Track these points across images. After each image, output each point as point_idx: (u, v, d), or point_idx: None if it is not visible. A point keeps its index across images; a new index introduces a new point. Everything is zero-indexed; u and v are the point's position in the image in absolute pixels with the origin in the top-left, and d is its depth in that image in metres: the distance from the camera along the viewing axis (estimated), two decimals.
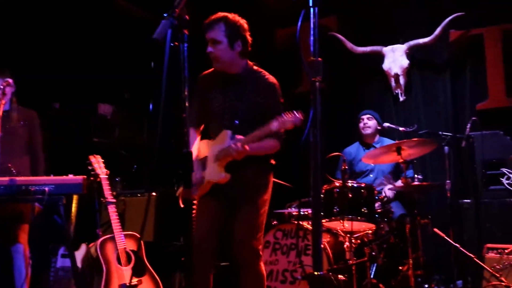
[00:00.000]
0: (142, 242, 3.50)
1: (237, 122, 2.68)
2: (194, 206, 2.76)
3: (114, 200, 3.46)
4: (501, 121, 4.62)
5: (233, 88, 2.76)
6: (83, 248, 3.87)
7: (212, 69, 2.85)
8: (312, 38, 1.75)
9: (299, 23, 1.92)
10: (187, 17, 1.91)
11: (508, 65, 4.77)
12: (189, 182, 1.97)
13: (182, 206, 3.08)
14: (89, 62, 5.15)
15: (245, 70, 2.79)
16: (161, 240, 4.24)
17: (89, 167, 3.55)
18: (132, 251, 3.37)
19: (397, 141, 3.76)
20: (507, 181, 3.78)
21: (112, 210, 3.40)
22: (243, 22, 2.78)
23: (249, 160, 2.69)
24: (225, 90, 2.77)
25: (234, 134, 2.66)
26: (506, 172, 3.79)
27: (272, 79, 2.81)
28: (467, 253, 3.33)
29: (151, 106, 5.60)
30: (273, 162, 2.87)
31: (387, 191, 4.21)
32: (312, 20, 1.75)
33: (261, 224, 2.74)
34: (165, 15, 1.90)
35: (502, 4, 4.77)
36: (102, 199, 3.53)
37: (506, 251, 3.11)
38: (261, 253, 2.75)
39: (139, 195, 4.38)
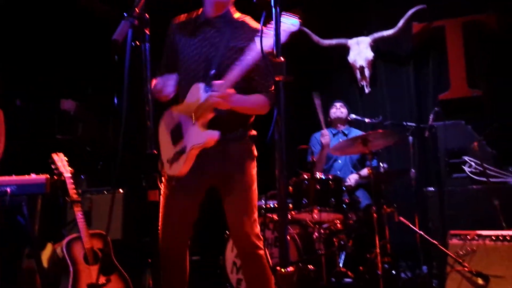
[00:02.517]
0: (109, 240, 3.44)
1: (213, 71, 2.30)
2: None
3: (79, 199, 3.38)
4: (462, 111, 4.77)
5: (210, 34, 2.39)
6: (48, 248, 3.78)
7: (185, 15, 2.51)
8: (274, 38, 1.73)
9: (261, 25, 1.90)
10: (147, 16, 1.87)
11: (469, 56, 4.92)
12: (154, 183, 1.92)
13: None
14: (51, 57, 5.01)
15: (227, 13, 2.42)
16: (130, 238, 4.18)
17: (52, 166, 3.45)
18: (100, 249, 3.31)
19: (363, 134, 3.81)
20: (469, 169, 3.89)
21: (77, 208, 3.33)
22: None
23: (233, 126, 2.35)
24: (199, 36, 2.40)
25: (208, 86, 2.25)
26: (468, 160, 3.90)
27: (254, 23, 2.41)
28: (431, 240, 3.42)
29: (115, 101, 5.49)
30: (255, 132, 2.51)
31: (350, 180, 4.28)
32: (274, 20, 1.73)
33: (256, 205, 2.43)
34: (125, 14, 1.85)
35: None
36: (67, 198, 3.44)
37: (468, 237, 3.19)
38: (261, 240, 2.41)
39: (105, 192, 4.29)
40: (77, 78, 5.24)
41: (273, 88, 2.25)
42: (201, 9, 2.49)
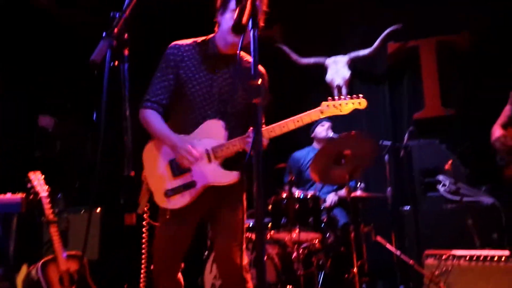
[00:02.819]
0: (86, 261, 3.40)
1: (226, 110, 2.34)
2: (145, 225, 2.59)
3: (55, 219, 3.33)
4: (437, 130, 4.88)
5: (223, 71, 2.38)
6: (23, 269, 3.70)
7: (192, 41, 2.45)
8: (252, 60, 1.75)
9: (239, 48, 1.94)
10: (126, 36, 1.88)
11: (443, 75, 5.04)
12: (131, 207, 1.92)
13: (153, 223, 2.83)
14: (29, 71, 4.95)
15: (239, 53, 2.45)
16: (108, 258, 4.13)
17: (29, 185, 3.40)
18: (76, 271, 3.26)
19: (335, 137, 3.77)
20: (443, 188, 3.98)
21: (53, 229, 3.28)
22: None
23: (238, 158, 2.36)
24: (210, 70, 2.36)
25: (226, 125, 2.33)
26: (442, 179, 3.99)
27: (261, 67, 2.45)
28: (408, 260, 3.47)
29: (94, 116, 5.44)
30: None
31: (329, 198, 4.32)
32: (252, 43, 1.76)
33: (245, 238, 2.42)
34: (103, 34, 1.86)
35: (435, 17, 5.04)
36: (43, 218, 3.39)
37: (444, 256, 3.26)
38: (249, 273, 2.38)
39: (82, 211, 4.23)
40: (56, 93, 5.20)
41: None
42: (204, 38, 2.44)
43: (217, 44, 2.38)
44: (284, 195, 3.73)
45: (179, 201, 2.28)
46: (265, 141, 2.33)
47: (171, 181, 2.30)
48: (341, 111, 2.42)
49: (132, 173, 1.89)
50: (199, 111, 2.34)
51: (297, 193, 3.78)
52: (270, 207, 3.80)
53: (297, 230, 3.52)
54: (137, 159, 2.39)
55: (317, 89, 5.56)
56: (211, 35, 2.43)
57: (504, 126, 3.26)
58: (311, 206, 3.70)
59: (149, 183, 2.35)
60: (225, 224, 2.37)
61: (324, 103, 2.44)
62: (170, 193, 2.29)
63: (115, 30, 1.84)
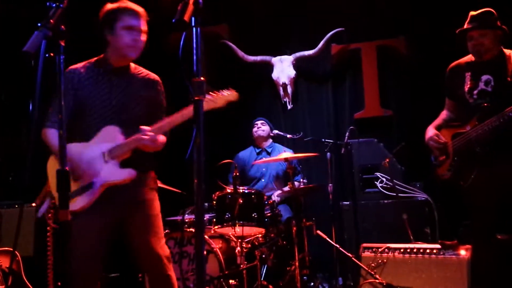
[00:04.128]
0: (19, 257, 3.25)
1: (125, 117, 2.53)
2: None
3: None
4: (375, 129, 5.09)
5: (117, 82, 2.59)
6: None
7: (85, 63, 2.64)
8: (194, 58, 1.75)
9: (181, 44, 1.92)
10: (63, 27, 1.83)
11: (382, 77, 5.26)
12: (65, 203, 1.86)
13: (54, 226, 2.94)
14: None
15: (130, 64, 2.68)
16: (42, 255, 3.95)
17: None
18: (9, 268, 3.11)
19: (285, 157, 3.92)
20: (380, 184, 4.16)
21: None
22: None
23: (138, 158, 2.52)
24: (106, 84, 2.57)
25: (123, 130, 2.49)
26: (380, 176, 4.17)
27: (154, 75, 2.73)
28: (346, 252, 3.61)
29: (30, 107, 5.20)
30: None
31: (275, 196, 4.40)
32: (194, 41, 1.75)
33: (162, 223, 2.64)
34: (39, 25, 1.79)
35: (376, 22, 5.25)
36: None
37: (379, 249, 3.41)
38: (171, 262, 2.60)
39: (17, 206, 4.03)
40: None
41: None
42: (97, 58, 2.64)
43: (110, 60, 2.59)
44: (229, 191, 3.74)
45: (79, 202, 2.40)
46: (162, 138, 2.55)
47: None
48: (216, 104, 2.52)
49: (67, 168, 1.84)
50: (99, 121, 2.51)
51: (241, 188, 3.80)
52: (214, 202, 3.80)
53: (240, 225, 3.55)
54: None
55: (264, 86, 5.63)
56: (103, 54, 2.62)
57: (438, 128, 3.45)
58: (255, 202, 3.73)
59: (52, 190, 2.47)
60: (141, 225, 2.53)
61: None
62: (70, 195, 2.30)
63: (51, 20, 1.78)
